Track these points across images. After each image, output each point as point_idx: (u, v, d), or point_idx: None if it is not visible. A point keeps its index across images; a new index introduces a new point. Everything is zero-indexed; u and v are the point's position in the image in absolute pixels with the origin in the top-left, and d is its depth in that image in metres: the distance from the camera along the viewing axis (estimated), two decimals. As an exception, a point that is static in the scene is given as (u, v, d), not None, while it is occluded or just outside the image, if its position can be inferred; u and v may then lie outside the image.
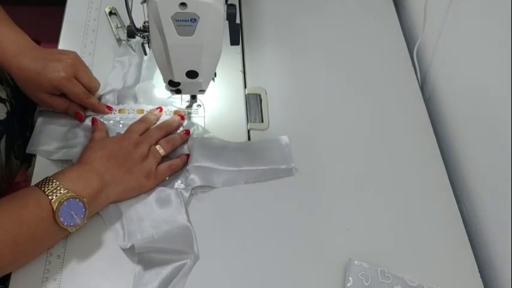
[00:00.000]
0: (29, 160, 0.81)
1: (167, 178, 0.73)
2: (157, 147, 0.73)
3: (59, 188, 0.62)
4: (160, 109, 0.79)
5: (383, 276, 0.66)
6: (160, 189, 0.72)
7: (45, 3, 0.94)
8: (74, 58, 0.75)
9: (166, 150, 0.74)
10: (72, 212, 0.62)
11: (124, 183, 0.68)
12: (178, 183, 0.73)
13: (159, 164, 0.72)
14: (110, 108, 0.79)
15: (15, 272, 0.63)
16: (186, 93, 0.76)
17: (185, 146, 0.77)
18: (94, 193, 0.64)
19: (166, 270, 0.65)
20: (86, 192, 0.63)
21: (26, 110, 0.81)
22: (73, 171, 0.65)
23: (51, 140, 0.75)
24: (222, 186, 0.73)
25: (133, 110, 0.80)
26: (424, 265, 0.69)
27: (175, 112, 0.80)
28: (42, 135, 0.75)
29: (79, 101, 0.75)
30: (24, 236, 0.59)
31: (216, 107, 0.83)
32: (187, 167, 0.74)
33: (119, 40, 0.88)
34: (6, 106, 0.75)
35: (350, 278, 0.66)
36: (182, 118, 0.79)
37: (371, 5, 0.99)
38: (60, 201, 0.61)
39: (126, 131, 0.74)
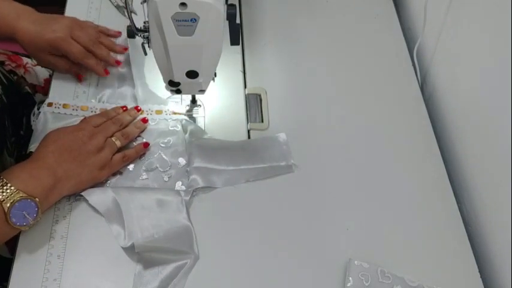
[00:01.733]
0: (23, 158, 0.81)
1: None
2: (113, 138, 0.73)
3: (8, 186, 0.61)
4: (144, 120, 0.78)
5: (383, 276, 0.66)
6: (161, 189, 0.72)
7: (45, 3, 0.94)
8: (71, 19, 0.78)
9: (122, 142, 0.73)
10: (24, 212, 0.61)
11: (76, 176, 0.67)
12: (179, 185, 0.73)
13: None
14: (107, 72, 0.81)
15: (15, 271, 0.63)
16: (186, 93, 0.76)
17: (180, 148, 0.76)
18: (46, 191, 0.64)
19: (166, 270, 0.65)
20: (37, 191, 0.63)
21: (18, 108, 0.82)
22: (24, 169, 0.64)
23: None
24: (222, 186, 0.73)
25: (152, 111, 0.80)
26: (424, 265, 0.69)
27: (158, 112, 0.80)
28: (42, 135, 0.75)
29: (76, 60, 0.77)
30: None
31: (216, 107, 0.83)
32: (188, 168, 0.74)
33: (118, 7, 0.90)
34: None
35: (350, 278, 0.66)
36: (145, 121, 0.78)
37: (371, 5, 0.99)
38: (11, 203, 0.60)
39: (82, 121, 0.74)
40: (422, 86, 0.93)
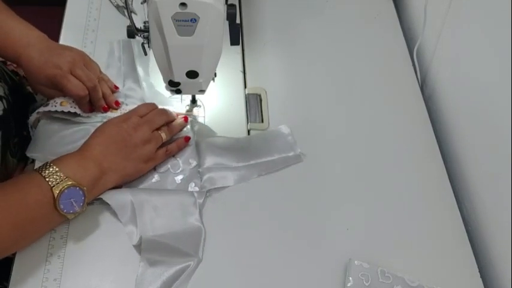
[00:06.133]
0: (25, 159, 0.81)
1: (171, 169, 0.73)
2: (160, 132, 0.73)
3: (59, 174, 0.62)
4: (186, 119, 0.78)
5: (383, 276, 0.66)
6: (175, 191, 0.71)
7: (45, 3, 0.94)
8: (75, 55, 0.75)
9: (167, 136, 0.74)
10: (72, 199, 0.63)
11: (122, 170, 0.68)
12: (192, 186, 0.73)
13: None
14: (105, 109, 0.78)
15: (15, 271, 0.64)
16: (186, 93, 0.76)
17: (190, 148, 0.76)
18: (93, 181, 0.65)
19: (168, 272, 0.64)
20: (85, 180, 0.64)
21: (22, 108, 0.82)
22: (73, 158, 0.65)
23: (50, 146, 0.74)
24: (235, 183, 0.73)
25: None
26: (424, 265, 0.69)
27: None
28: (40, 140, 0.75)
29: (71, 97, 0.75)
30: (24, 220, 0.60)
31: (216, 107, 0.83)
32: (200, 169, 0.74)
33: (118, 7, 0.89)
34: (3, 103, 0.75)
35: (350, 278, 0.66)
36: (186, 120, 0.78)
37: (371, 5, 0.99)
38: (61, 189, 0.61)
39: (129, 112, 0.74)
40: (422, 86, 0.93)
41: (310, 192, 0.75)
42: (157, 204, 0.69)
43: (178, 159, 0.75)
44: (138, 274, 0.64)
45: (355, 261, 0.67)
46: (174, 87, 0.73)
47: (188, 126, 0.78)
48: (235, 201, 0.73)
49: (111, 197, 0.68)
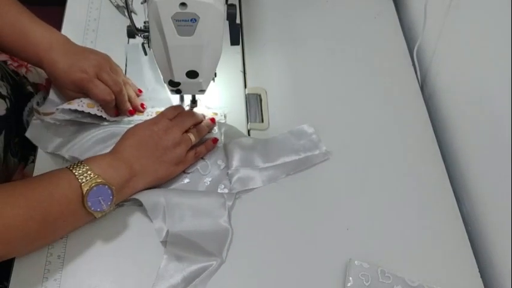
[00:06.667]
0: (26, 159, 0.81)
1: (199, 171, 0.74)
2: (189, 134, 0.73)
3: (89, 172, 0.63)
4: (213, 120, 0.78)
5: (383, 276, 0.66)
6: (205, 192, 0.72)
7: (45, 3, 0.94)
8: (100, 58, 0.75)
9: (197, 138, 0.74)
10: (100, 198, 0.63)
11: (153, 173, 0.69)
12: (221, 188, 0.73)
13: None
14: (132, 112, 0.78)
15: (15, 271, 0.64)
16: (186, 93, 0.77)
17: (218, 150, 0.76)
18: (122, 182, 0.65)
19: (191, 268, 0.65)
20: (114, 180, 0.64)
21: (23, 108, 0.82)
22: (104, 158, 0.66)
23: (54, 136, 0.75)
24: (263, 184, 0.74)
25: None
26: (424, 265, 0.69)
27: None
28: (43, 129, 0.75)
29: (97, 101, 0.74)
30: (53, 214, 0.61)
31: (216, 107, 0.83)
32: (229, 171, 0.74)
33: (118, 7, 0.89)
34: (6, 103, 0.75)
35: (350, 278, 0.66)
36: (213, 121, 0.78)
37: (371, 5, 0.99)
38: (90, 186, 0.62)
39: (158, 115, 0.74)
40: (422, 86, 0.93)
41: (310, 191, 0.75)
42: (188, 205, 0.69)
43: (207, 160, 0.75)
44: (161, 266, 0.65)
45: (355, 261, 0.67)
46: (174, 87, 0.73)
47: (216, 128, 0.78)
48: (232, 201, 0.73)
49: (143, 196, 0.68)
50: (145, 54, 0.76)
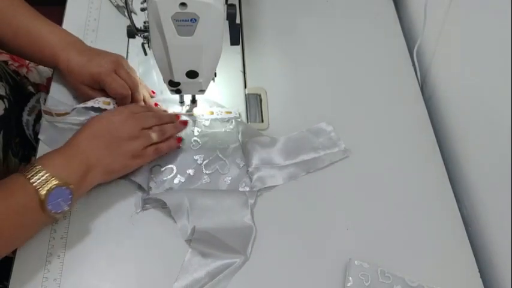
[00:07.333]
0: (27, 159, 0.81)
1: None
2: (150, 131, 0.71)
3: (44, 174, 0.60)
4: (178, 117, 0.78)
5: (383, 276, 0.66)
6: (227, 191, 0.72)
7: (45, 3, 0.94)
8: (118, 56, 0.75)
9: (158, 137, 0.72)
10: (59, 199, 0.61)
11: (107, 166, 0.67)
12: (243, 186, 0.73)
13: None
14: None
15: (15, 271, 0.64)
16: (186, 93, 0.77)
17: (236, 149, 0.76)
18: (79, 179, 0.63)
19: (215, 264, 0.66)
20: (71, 179, 0.62)
21: (23, 108, 0.82)
22: (58, 156, 0.64)
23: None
24: (284, 182, 0.74)
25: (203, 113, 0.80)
26: (424, 265, 0.69)
27: (210, 112, 0.80)
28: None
29: (115, 96, 0.74)
30: (11, 225, 0.59)
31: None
32: (249, 169, 0.74)
33: (118, 7, 0.89)
34: (4, 103, 0.75)
35: (350, 278, 0.66)
36: (185, 124, 0.78)
37: (371, 5, 0.99)
38: (47, 190, 0.60)
39: (121, 106, 0.73)
40: (422, 86, 0.93)
41: (310, 191, 0.75)
42: (211, 204, 0.69)
43: (225, 159, 0.75)
44: (185, 259, 0.65)
45: (355, 261, 0.67)
46: (174, 87, 0.73)
47: (230, 127, 0.79)
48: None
49: (166, 196, 0.69)
50: (145, 54, 0.76)
